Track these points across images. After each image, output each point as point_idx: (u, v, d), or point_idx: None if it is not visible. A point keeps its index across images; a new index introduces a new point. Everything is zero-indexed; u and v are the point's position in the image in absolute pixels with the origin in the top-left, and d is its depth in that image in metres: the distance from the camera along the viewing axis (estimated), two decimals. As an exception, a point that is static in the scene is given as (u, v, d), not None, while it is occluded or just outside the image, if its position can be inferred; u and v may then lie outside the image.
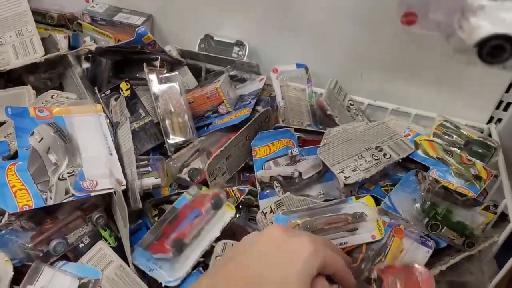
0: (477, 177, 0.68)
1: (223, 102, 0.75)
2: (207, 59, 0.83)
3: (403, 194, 0.64)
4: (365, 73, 0.84)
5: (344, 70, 0.84)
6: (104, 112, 0.69)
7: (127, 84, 0.75)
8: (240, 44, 0.84)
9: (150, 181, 0.65)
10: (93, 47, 0.79)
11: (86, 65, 0.82)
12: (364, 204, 0.63)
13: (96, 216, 0.61)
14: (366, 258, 0.60)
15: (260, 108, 0.75)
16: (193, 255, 0.59)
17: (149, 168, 0.66)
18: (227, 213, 0.62)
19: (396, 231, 0.59)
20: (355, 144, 0.69)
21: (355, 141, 0.69)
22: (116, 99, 0.74)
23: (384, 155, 0.67)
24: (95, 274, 0.56)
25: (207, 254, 0.60)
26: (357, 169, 0.64)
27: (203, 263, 0.61)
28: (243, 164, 0.72)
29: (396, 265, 0.56)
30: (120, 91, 0.74)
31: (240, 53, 0.83)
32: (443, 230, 0.61)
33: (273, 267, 0.43)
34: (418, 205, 0.62)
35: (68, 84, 0.80)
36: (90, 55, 0.81)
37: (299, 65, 0.80)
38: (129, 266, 0.58)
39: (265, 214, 0.61)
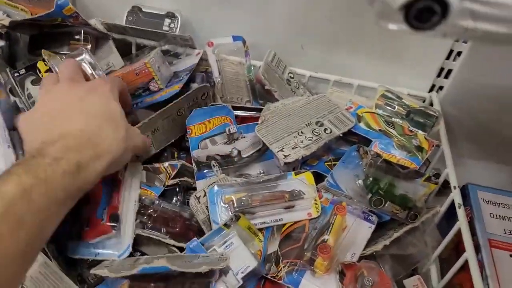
0: (419, 148, 0.67)
1: (153, 78, 0.69)
2: (136, 33, 0.77)
3: (346, 170, 0.62)
4: (305, 44, 0.81)
5: (284, 41, 0.80)
6: (13, 95, 0.62)
7: (45, 65, 0.67)
8: (171, 15, 0.77)
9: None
10: (6, 21, 0.70)
11: (0, 43, 0.74)
12: (301, 182, 0.61)
13: None
14: (309, 237, 0.58)
15: (195, 85, 0.70)
16: (128, 219, 0.57)
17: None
18: (139, 166, 0.61)
19: (338, 209, 0.58)
20: (295, 120, 0.66)
21: (295, 116, 0.67)
22: (33, 82, 0.66)
23: (325, 130, 0.65)
24: None
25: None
26: (297, 146, 0.62)
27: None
28: (173, 140, 0.67)
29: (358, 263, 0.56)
30: (38, 72, 0.67)
31: (172, 25, 0.77)
32: (386, 205, 0.60)
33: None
34: (360, 181, 0.61)
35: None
36: (3, 32, 0.73)
37: (235, 38, 0.75)
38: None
39: (198, 198, 0.58)
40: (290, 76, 0.77)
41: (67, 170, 0.45)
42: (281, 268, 0.56)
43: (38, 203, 0.42)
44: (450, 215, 0.67)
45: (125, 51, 0.79)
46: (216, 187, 0.59)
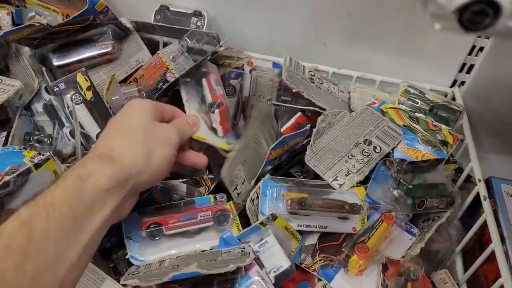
0: (444, 143, 0.69)
1: (168, 68, 0.70)
2: (163, 31, 0.78)
3: (379, 185, 0.63)
4: (328, 40, 0.82)
5: (307, 39, 0.82)
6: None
7: (86, 80, 0.66)
8: (198, 14, 0.79)
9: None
10: (44, 21, 0.71)
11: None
12: (354, 194, 0.62)
13: None
14: (348, 238, 0.59)
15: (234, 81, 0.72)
16: (165, 252, 0.57)
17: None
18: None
19: (386, 217, 0.58)
20: (343, 141, 0.67)
21: (342, 137, 0.67)
22: (74, 100, 0.66)
23: (374, 148, 0.66)
24: None
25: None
26: (350, 172, 0.63)
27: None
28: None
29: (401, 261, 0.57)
30: (79, 90, 0.66)
31: (199, 23, 0.79)
32: (428, 203, 0.62)
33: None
34: (398, 191, 0.62)
35: (15, 65, 0.74)
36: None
37: (275, 65, 0.76)
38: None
39: (253, 201, 0.59)
40: (311, 75, 0.78)
41: (67, 186, 0.43)
42: (316, 261, 0.57)
43: (42, 230, 0.39)
44: (473, 208, 0.69)
45: (153, 50, 0.81)
46: (269, 179, 0.60)
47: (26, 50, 0.73)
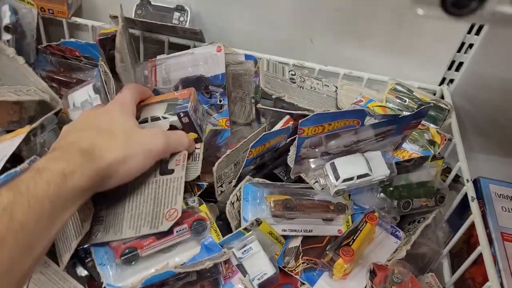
0: (431, 142, 0.67)
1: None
2: (145, 26, 0.76)
3: (363, 191, 0.61)
4: (314, 37, 0.80)
5: (292, 35, 0.80)
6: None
7: None
8: (181, 9, 0.76)
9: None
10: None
11: (6, 36, 0.73)
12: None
13: None
14: (332, 240, 0.57)
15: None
16: (143, 272, 0.51)
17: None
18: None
19: (369, 217, 0.56)
20: None
21: None
22: None
23: None
24: None
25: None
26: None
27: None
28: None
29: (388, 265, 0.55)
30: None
31: (182, 19, 0.76)
32: (414, 203, 0.60)
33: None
34: (381, 194, 0.60)
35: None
36: (10, 26, 0.72)
37: (248, 57, 0.73)
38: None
39: (233, 204, 0.57)
40: (291, 74, 0.75)
41: (51, 180, 0.42)
42: (299, 264, 0.56)
43: (21, 220, 0.39)
44: (461, 209, 0.67)
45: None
46: (250, 184, 0.58)
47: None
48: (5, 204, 0.39)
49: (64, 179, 0.43)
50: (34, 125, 0.57)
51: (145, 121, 0.60)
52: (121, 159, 0.48)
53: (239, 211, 0.57)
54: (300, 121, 0.50)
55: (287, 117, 0.68)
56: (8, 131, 0.59)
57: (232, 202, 0.57)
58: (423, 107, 0.54)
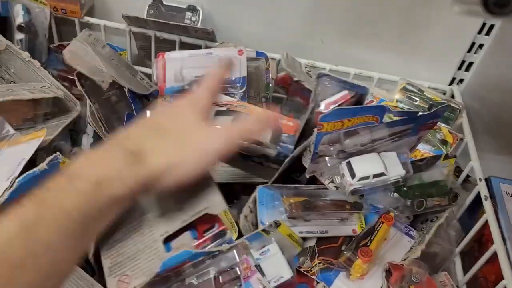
0: (443, 142, 0.68)
1: None
2: (157, 26, 0.76)
3: (377, 192, 0.61)
4: (325, 37, 0.80)
5: (303, 35, 0.80)
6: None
7: None
8: (193, 8, 0.77)
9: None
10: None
11: (19, 36, 0.73)
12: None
13: None
14: (347, 240, 0.58)
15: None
16: None
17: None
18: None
19: (385, 218, 0.56)
20: None
21: None
22: None
23: None
24: None
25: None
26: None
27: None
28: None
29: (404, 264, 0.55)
30: None
31: (193, 18, 0.76)
32: (428, 202, 0.60)
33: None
34: (394, 194, 0.60)
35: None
36: (23, 25, 0.72)
37: (259, 54, 0.73)
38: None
39: (246, 217, 0.56)
40: (307, 71, 0.76)
41: (83, 189, 0.37)
42: (315, 264, 0.56)
43: (45, 239, 0.34)
44: (471, 208, 0.67)
45: (143, 43, 0.79)
46: (264, 188, 0.58)
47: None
48: (26, 221, 0.34)
49: (99, 188, 0.38)
50: (55, 134, 0.57)
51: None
52: (169, 165, 0.43)
53: (252, 223, 0.57)
54: (320, 116, 0.49)
55: (346, 92, 0.62)
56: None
57: (246, 215, 0.56)
58: (439, 106, 0.54)
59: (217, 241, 0.54)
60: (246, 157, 0.61)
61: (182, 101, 0.50)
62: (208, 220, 0.54)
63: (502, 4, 0.23)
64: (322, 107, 0.61)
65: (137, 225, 0.53)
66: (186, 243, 0.52)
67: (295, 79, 0.68)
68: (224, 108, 0.60)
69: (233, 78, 0.68)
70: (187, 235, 0.52)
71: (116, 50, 0.76)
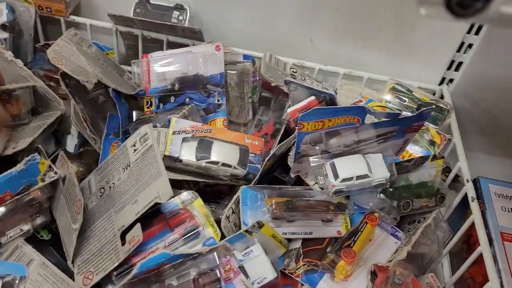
0: (431, 142, 0.67)
1: None
2: (144, 25, 0.75)
3: (364, 193, 0.60)
4: (314, 36, 0.80)
5: (292, 34, 0.80)
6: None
7: None
8: (180, 7, 0.76)
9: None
10: None
11: (3, 35, 0.72)
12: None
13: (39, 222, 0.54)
14: (332, 241, 0.57)
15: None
16: None
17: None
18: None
19: (370, 218, 0.56)
20: None
21: None
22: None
23: None
24: (20, 270, 0.50)
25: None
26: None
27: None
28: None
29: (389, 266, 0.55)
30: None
31: (181, 18, 0.76)
32: (415, 203, 0.60)
33: None
34: (381, 195, 0.60)
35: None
36: (7, 24, 0.72)
37: (246, 57, 0.73)
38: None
39: (228, 217, 0.55)
40: (292, 71, 0.75)
41: None
42: (300, 266, 0.55)
43: None
44: (460, 208, 0.67)
45: (130, 43, 0.78)
46: (248, 188, 0.57)
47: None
48: None
49: None
50: (36, 135, 0.57)
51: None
52: None
53: (235, 224, 0.56)
54: (299, 115, 0.49)
55: (313, 97, 0.65)
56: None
57: (228, 216, 0.55)
58: (425, 108, 0.53)
59: (188, 235, 0.53)
60: (214, 178, 0.61)
61: None
62: (181, 215, 0.54)
63: (465, 5, 0.23)
64: (288, 112, 0.64)
65: (102, 222, 0.53)
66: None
67: (273, 84, 0.68)
68: (189, 135, 0.60)
69: (209, 75, 0.68)
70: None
71: (103, 50, 0.76)
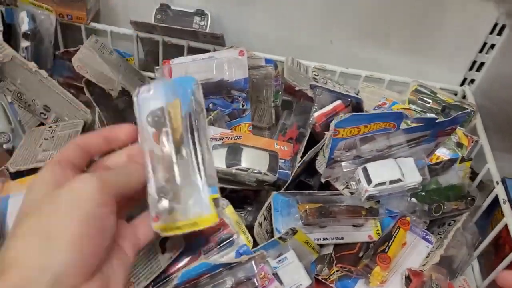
0: (459, 144, 0.67)
1: None
2: (165, 31, 0.75)
3: (394, 197, 0.59)
4: (335, 39, 0.79)
5: (313, 37, 0.79)
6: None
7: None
8: (201, 13, 0.76)
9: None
10: None
11: (25, 43, 0.72)
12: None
13: None
14: (364, 246, 0.57)
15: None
16: None
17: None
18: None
19: (402, 222, 0.56)
20: None
21: None
22: None
23: None
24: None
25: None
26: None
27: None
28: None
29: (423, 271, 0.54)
30: None
31: (202, 23, 0.75)
32: (445, 207, 0.60)
33: None
34: (412, 198, 0.59)
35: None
36: (28, 33, 0.71)
37: (268, 61, 0.72)
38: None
39: (260, 224, 0.55)
40: (314, 75, 0.75)
41: None
42: (334, 271, 0.55)
43: None
44: (486, 210, 0.67)
45: (151, 48, 0.78)
46: (279, 194, 0.57)
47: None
48: None
49: None
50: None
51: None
52: (38, 247, 0.30)
53: (266, 230, 0.56)
54: (335, 121, 0.49)
55: (339, 101, 0.65)
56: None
57: (260, 222, 0.55)
58: (460, 113, 0.53)
59: (222, 244, 0.52)
60: (241, 183, 0.61)
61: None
62: None
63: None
64: (314, 117, 0.63)
65: None
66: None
67: (297, 88, 0.68)
68: (219, 142, 0.59)
69: (234, 80, 0.67)
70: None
71: (123, 56, 0.75)
